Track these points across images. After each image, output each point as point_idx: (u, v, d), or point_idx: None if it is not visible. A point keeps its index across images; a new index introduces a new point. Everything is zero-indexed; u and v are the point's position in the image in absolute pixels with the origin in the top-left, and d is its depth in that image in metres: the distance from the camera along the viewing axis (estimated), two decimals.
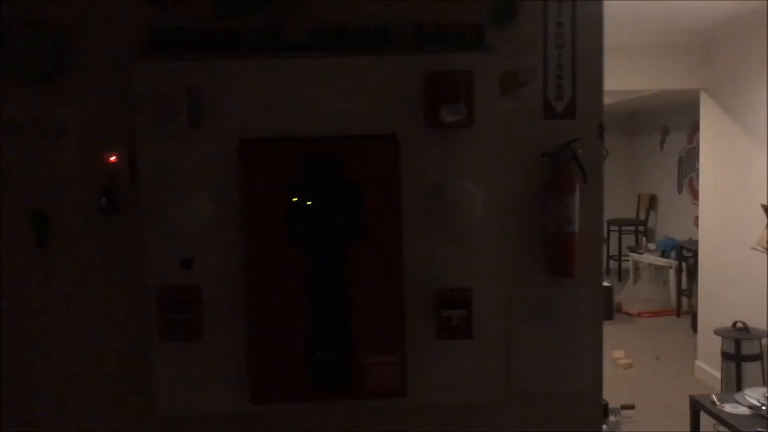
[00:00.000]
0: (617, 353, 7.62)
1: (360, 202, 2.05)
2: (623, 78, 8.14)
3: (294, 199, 2.05)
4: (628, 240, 13.26)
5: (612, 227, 13.31)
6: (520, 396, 2.21)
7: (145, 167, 2.07)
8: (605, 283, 2.32)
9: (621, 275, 12.38)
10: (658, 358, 7.80)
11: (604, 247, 13.25)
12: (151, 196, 2.04)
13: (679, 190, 12.46)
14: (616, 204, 13.59)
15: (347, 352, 2.08)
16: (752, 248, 6.65)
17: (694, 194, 10.73)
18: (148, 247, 2.07)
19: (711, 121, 7.39)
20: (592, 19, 2.15)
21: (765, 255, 6.50)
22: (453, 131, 2.04)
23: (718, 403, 5.09)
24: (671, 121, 12.68)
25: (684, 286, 10.18)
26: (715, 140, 7.31)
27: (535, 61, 2.14)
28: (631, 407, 4.74)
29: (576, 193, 2.11)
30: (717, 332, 6.62)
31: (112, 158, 2.09)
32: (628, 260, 12.21)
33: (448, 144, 2.07)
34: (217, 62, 2.05)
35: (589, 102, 2.17)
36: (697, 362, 7.52)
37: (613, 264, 13.07)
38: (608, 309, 2.35)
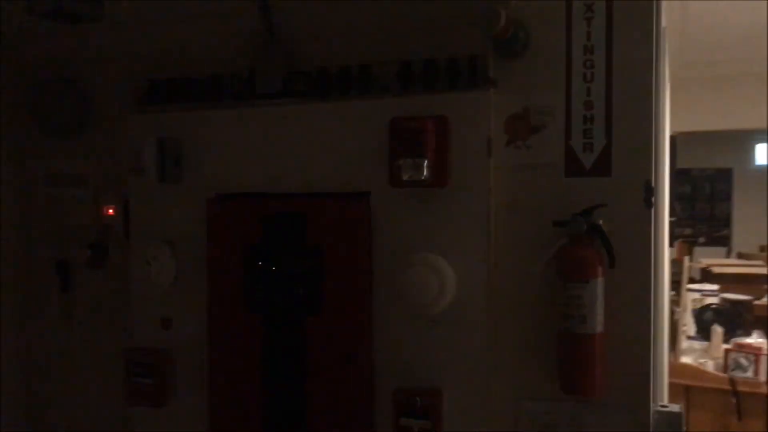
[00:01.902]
0: None
1: (320, 271, 1.73)
2: None
3: (258, 263, 1.81)
4: None
5: None
6: None
7: (133, 221, 2.02)
8: (671, 407, 1.62)
9: None
10: None
11: None
12: (133, 252, 1.98)
13: None
14: None
15: None
16: None
17: None
18: (132, 304, 2.01)
19: None
20: (635, 39, 1.54)
21: None
22: (422, 191, 1.62)
23: None
24: None
25: None
26: None
27: (554, 98, 1.60)
28: None
29: (597, 280, 1.51)
30: None
31: (110, 211, 2.08)
32: None
33: (416, 208, 1.64)
34: (194, 113, 1.93)
35: (631, 152, 1.55)
36: None
37: None
38: None
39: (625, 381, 1.55)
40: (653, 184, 1.53)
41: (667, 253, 2.92)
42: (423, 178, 1.55)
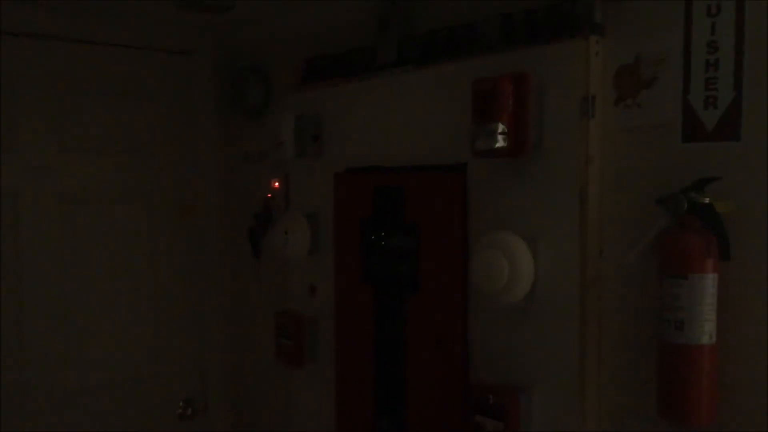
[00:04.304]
0: None
1: (418, 249, 1.64)
2: None
3: (371, 237, 1.80)
4: None
5: None
6: None
7: (291, 194, 2.16)
8: None
9: None
10: None
11: None
12: (277, 222, 2.11)
13: None
14: None
15: (404, 428, 1.71)
16: None
17: None
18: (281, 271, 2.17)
19: None
20: None
21: None
22: (514, 162, 1.41)
23: None
24: None
25: None
26: None
27: (670, 41, 1.25)
28: None
29: (704, 276, 1.15)
30: None
31: (276, 184, 2.26)
32: None
33: (507, 181, 1.44)
34: (328, 90, 1.97)
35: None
36: None
37: None
38: None
39: (748, 410, 1.16)
40: None
41: None
42: (496, 146, 1.35)
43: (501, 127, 1.35)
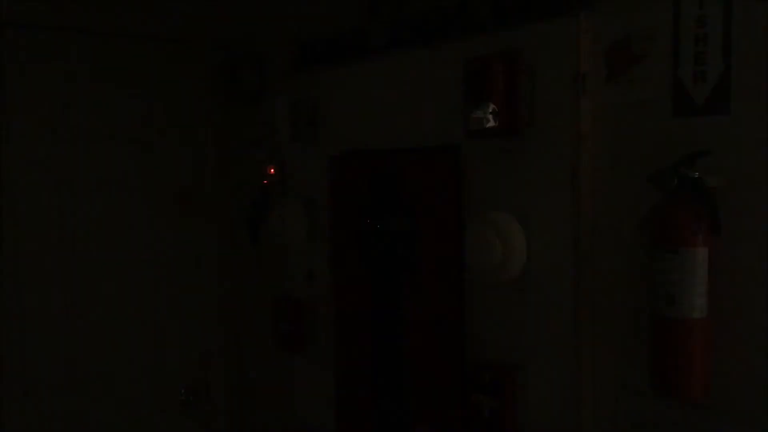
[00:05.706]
0: None
1: (414, 229, 1.65)
2: None
3: (366, 220, 1.81)
4: None
5: None
6: None
7: (287, 180, 2.17)
8: None
9: None
10: None
11: None
12: (275, 208, 2.12)
13: None
14: None
15: (403, 408, 1.72)
16: None
17: None
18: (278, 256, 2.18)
19: None
20: None
21: None
22: (504, 142, 1.41)
23: None
24: None
25: None
26: None
27: (659, 16, 1.25)
28: None
29: (694, 250, 1.15)
30: None
31: (271, 170, 2.26)
32: None
33: (498, 160, 1.44)
34: (321, 74, 1.97)
35: (758, 81, 1.13)
36: None
37: None
38: None
39: (742, 383, 1.17)
40: None
41: None
42: (487, 126, 1.36)
43: (492, 107, 1.35)
